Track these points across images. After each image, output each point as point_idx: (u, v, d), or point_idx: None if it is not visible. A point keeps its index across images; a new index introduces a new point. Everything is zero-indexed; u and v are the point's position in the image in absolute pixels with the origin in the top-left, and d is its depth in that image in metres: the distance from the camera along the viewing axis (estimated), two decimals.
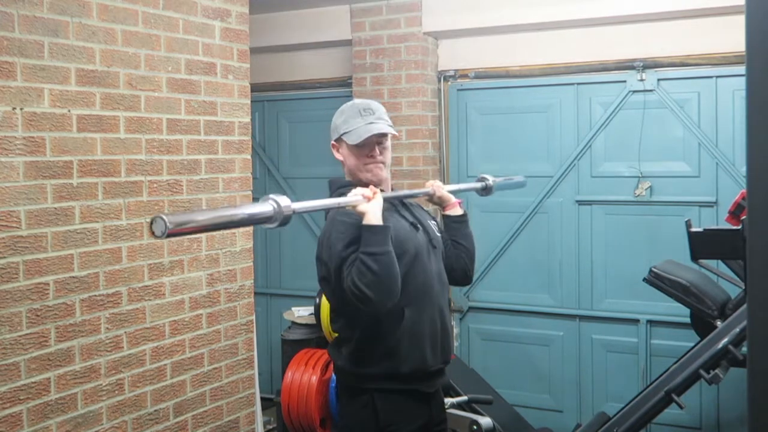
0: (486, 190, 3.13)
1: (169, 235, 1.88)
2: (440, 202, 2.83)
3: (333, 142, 2.65)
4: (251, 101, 3.74)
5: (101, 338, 3.00)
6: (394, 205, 2.61)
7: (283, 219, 2.12)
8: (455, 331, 5.17)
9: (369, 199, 2.40)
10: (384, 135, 2.57)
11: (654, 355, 4.64)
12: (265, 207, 2.11)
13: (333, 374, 2.67)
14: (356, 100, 2.70)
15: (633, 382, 4.63)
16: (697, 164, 4.51)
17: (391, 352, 2.47)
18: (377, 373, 2.48)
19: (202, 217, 2.05)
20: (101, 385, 3.00)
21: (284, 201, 2.13)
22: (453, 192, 2.88)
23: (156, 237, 1.89)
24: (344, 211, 2.45)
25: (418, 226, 2.59)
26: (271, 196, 2.14)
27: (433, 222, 2.73)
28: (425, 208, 2.82)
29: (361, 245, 2.34)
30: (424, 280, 2.54)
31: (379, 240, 2.34)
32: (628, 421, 3.49)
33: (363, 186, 2.51)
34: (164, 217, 1.88)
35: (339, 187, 2.61)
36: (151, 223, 1.89)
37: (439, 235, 2.70)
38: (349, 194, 2.42)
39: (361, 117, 2.57)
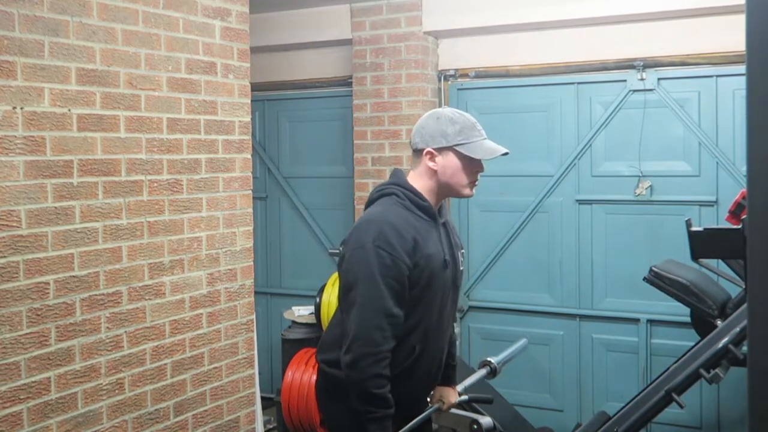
0: (492, 374, 3.01)
1: None
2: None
3: (432, 149, 2.48)
4: (251, 100, 3.74)
5: (101, 338, 3.00)
6: (435, 224, 2.54)
7: None
8: (455, 330, 5.18)
9: None
10: (504, 155, 2.53)
11: (654, 354, 4.64)
12: None
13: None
14: (454, 111, 2.55)
15: (633, 381, 4.63)
16: (697, 164, 4.51)
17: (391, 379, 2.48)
18: None
19: None
20: (101, 384, 3.00)
21: None
22: (459, 391, 2.85)
23: None
24: (388, 241, 2.38)
25: (449, 262, 2.54)
26: None
27: (462, 252, 2.69)
28: (458, 232, 2.76)
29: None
30: (438, 320, 2.53)
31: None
32: (629, 421, 3.49)
33: (421, 199, 2.49)
34: None
35: (396, 184, 2.54)
36: None
37: (462, 269, 2.67)
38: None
39: (477, 131, 2.51)
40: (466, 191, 2.54)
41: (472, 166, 2.50)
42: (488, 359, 2.99)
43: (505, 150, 2.51)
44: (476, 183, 2.55)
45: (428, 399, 2.76)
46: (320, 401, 2.66)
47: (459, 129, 2.48)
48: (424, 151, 2.50)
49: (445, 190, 2.54)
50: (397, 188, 2.52)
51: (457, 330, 5.16)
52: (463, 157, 2.48)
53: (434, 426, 2.97)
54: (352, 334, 2.36)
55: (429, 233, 2.48)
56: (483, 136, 2.51)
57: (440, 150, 2.48)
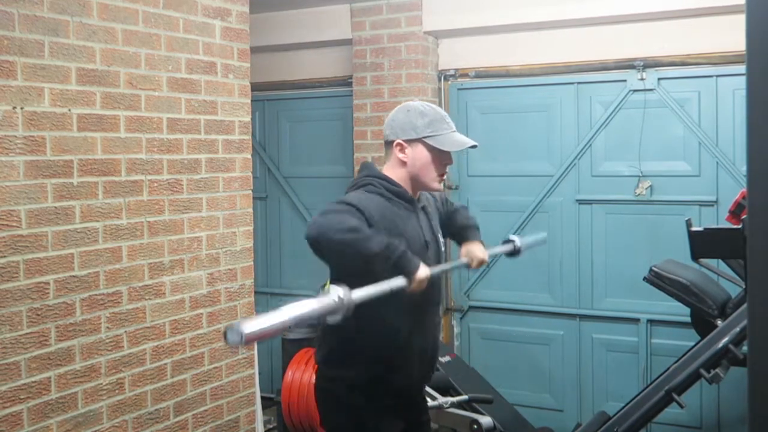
0: (515, 252, 2.98)
1: (247, 342, 1.92)
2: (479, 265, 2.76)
3: (402, 140, 2.52)
4: (251, 100, 3.74)
5: (101, 337, 3.00)
6: (414, 209, 2.56)
7: (347, 310, 2.13)
8: (456, 330, 5.17)
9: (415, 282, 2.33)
10: (472, 147, 2.56)
11: (654, 354, 4.64)
12: (329, 300, 2.11)
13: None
14: (424, 104, 2.58)
15: (633, 381, 4.63)
16: (697, 163, 4.50)
17: (377, 361, 2.48)
18: (357, 381, 2.50)
19: (274, 321, 2.04)
20: (101, 384, 3.00)
21: (345, 293, 2.13)
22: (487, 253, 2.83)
23: (230, 345, 1.93)
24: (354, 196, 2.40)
25: (430, 242, 2.56)
26: (334, 288, 2.13)
27: (441, 233, 2.71)
28: (441, 198, 2.77)
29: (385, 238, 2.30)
30: (422, 301, 2.52)
31: (391, 248, 2.29)
32: (629, 421, 3.49)
33: (394, 185, 2.50)
34: (240, 327, 1.91)
35: (369, 175, 2.54)
36: (225, 333, 1.91)
37: (443, 249, 2.68)
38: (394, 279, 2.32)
39: (446, 124, 2.54)
40: (435, 184, 2.56)
41: (441, 158, 2.54)
42: (512, 237, 2.98)
43: (473, 143, 2.56)
44: (444, 177, 2.58)
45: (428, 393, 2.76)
46: (319, 401, 2.66)
47: (428, 121, 2.52)
48: (395, 143, 2.54)
49: (415, 183, 2.56)
50: (370, 179, 2.54)
51: (456, 330, 5.16)
52: (432, 149, 2.51)
53: (434, 426, 2.97)
54: (323, 224, 2.30)
55: (405, 218, 2.50)
56: (452, 129, 2.55)
57: (410, 142, 2.52)
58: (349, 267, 2.39)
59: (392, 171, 2.56)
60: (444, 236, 2.73)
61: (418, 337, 2.55)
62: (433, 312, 2.65)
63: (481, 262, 2.70)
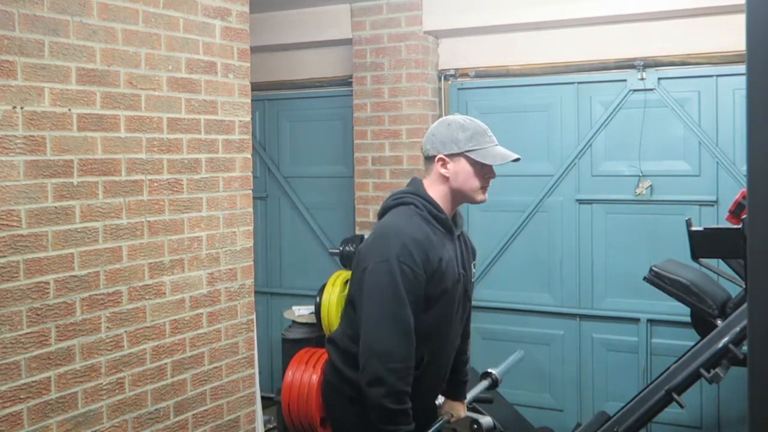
0: (494, 385, 3.05)
1: None
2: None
3: (444, 155, 2.49)
4: (252, 100, 3.74)
5: (101, 337, 3.00)
6: (452, 238, 2.56)
7: None
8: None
9: None
10: (515, 161, 2.54)
11: (654, 354, 4.64)
12: None
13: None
14: (465, 117, 2.57)
15: (633, 381, 4.63)
16: (697, 163, 4.51)
17: None
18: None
19: None
20: (102, 384, 3.00)
21: None
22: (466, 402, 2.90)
23: None
24: (409, 252, 2.39)
25: (462, 277, 2.55)
26: None
27: (474, 263, 2.72)
28: (473, 245, 2.76)
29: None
30: (447, 330, 2.55)
31: None
32: (629, 420, 3.49)
33: (438, 210, 2.50)
34: None
35: (415, 194, 2.54)
36: None
37: (473, 280, 2.69)
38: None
39: (488, 137, 2.52)
40: (480, 196, 2.55)
41: (484, 172, 2.51)
42: (489, 371, 3.05)
43: (516, 156, 2.53)
44: (487, 190, 2.57)
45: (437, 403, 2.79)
46: (327, 398, 2.66)
47: (470, 135, 2.49)
48: (436, 158, 2.51)
49: (458, 197, 2.54)
50: (415, 198, 2.52)
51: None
52: (474, 163, 2.49)
53: None
54: (376, 348, 2.35)
55: (445, 246, 2.50)
56: (494, 142, 2.53)
57: (452, 156, 2.49)
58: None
59: (433, 187, 2.54)
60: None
61: (439, 356, 2.57)
62: (457, 337, 2.66)
63: (459, 419, 2.81)
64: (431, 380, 2.59)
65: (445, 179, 2.51)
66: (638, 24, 4.58)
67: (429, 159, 2.54)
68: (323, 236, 5.68)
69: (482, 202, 2.59)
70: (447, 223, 2.53)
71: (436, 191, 2.53)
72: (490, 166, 2.51)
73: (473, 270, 2.69)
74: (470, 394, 2.96)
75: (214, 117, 3.49)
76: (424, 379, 2.53)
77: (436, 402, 2.78)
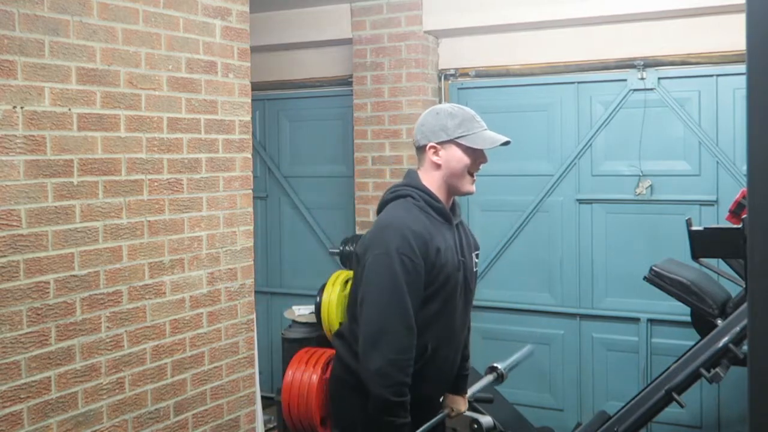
0: (499, 379, 3.03)
1: None
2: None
3: (435, 143, 2.51)
4: (252, 100, 3.74)
5: (102, 337, 3.00)
6: (450, 227, 2.56)
7: None
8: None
9: None
10: (505, 144, 2.54)
11: (654, 353, 4.64)
12: None
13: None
14: (453, 105, 2.59)
15: (633, 380, 4.63)
16: (697, 163, 4.51)
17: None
18: None
19: None
20: (102, 383, 3.00)
21: None
22: (468, 397, 2.87)
23: None
24: (409, 238, 2.39)
25: (462, 265, 2.56)
26: None
27: (477, 253, 2.71)
28: (474, 236, 2.76)
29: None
30: (449, 320, 2.54)
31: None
32: (629, 420, 3.49)
33: (435, 200, 2.51)
34: None
35: (411, 185, 2.55)
36: None
37: (475, 270, 2.68)
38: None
39: (477, 122, 2.53)
40: (467, 187, 2.56)
41: (475, 157, 2.53)
42: (495, 365, 3.02)
43: (506, 138, 2.53)
44: (475, 179, 2.58)
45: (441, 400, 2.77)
46: (334, 393, 2.65)
47: (459, 122, 2.51)
48: (427, 146, 2.53)
49: (451, 185, 2.55)
50: (412, 190, 2.53)
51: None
52: (465, 149, 2.50)
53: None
54: (376, 340, 2.36)
55: (444, 235, 2.50)
56: (483, 127, 2.54)
57: (442, 144, 2.51)
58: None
59: (427, 176, 2.55)
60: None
61: (443, 348, 2.56)
62: (462, 327, 2.66)
63: (459, 414, 2.79)
64: (436, 374, 2.58)
65: (438, 167, 2.53)
66: (638, 24, 4.58)
67: (420, 149, 2.56)
68: (323, 236, 5.68)
69: (470, 193, 2.60)
70: (444, 212, 2.54)
71: (430, 180, 2.55)
72: (482, 151, 2.53)
73: (476, 261, 2.68)
74: (473, 389, 2.93)
75: (215, 117, 3.49)
76: (429, 372, 2.52)
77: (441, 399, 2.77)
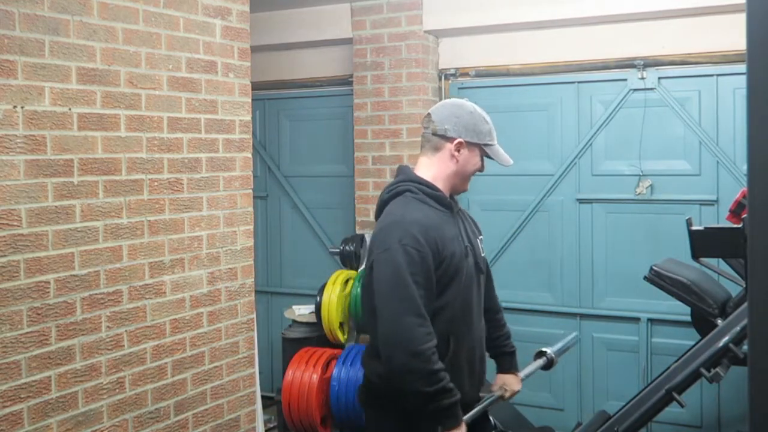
0: (549, 364, 3.00)
1: None
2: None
3: (462, 140, 2.49)
4: (252, 99, 3.74)
5: (102, 337, 3.00)
6: (452, 215, 2.55)
7: None
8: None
9: None
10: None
11: (655, 353, 4.64)
12: None
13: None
14: (481, 109, 2.59)
15: (634, 380, 4.63)
16: (697, 162, 4.51)
17: None
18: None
19: None
20: (102, 383, 3.00)
21: None
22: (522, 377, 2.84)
23: None
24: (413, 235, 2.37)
25: (470, 250, 2.54)
26: None
27: (481, 238, 2.69)
28: (475, 221, 2.75)
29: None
30: (467, 309, 2.52)
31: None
32: (629, 420, 3.49)
33: (434, 189, 2.51)
34: None
35: (407, 180, 2.53)
36: None
37: (483, 255, 2.67)
38: None
39: (495, 136, 2.57)
40: (464, 185, 2.60)
41: (480, 166, 2.57)
42: (543, 350, 2.99)
43: (511, 162, 2.61)
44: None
45: (481, 393, 2.70)
46: (369, 401, 2.59)
47: (489, 129, 2.54)
48: (455, 141, 2.50)
49: (454, 183, 2.55)
50: (409, 184, 2.51)
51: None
52: (483, 157, 2.54)
53: None
54: (394, 338, 2.32)
55: (447, 224, 2.49)
56: (496, 141, 2.59)
57: (470, 144, 2.51)
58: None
59: (437, 166, 2.53)
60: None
61: (466, 340, 2.53)
62: (478, 317, 2.62)
63: (514, 394, 2.74)
64: (465, 365, 2.53)
65: (455, 162, 2.51)
66: (638, 24, 4.58)
67: (443, 138, 2.51)
68: (323, 236, 5.68)
69: (463, 191, 2.63)
70: (445, 200, 2.52)
71: (436, 171, 2.53)
72: (483, 162, 2.57)
73: (481, 245, 2.66)
74: (526, 371, 2.87)
75: (215, 116, 3.49)
76: (457, 363, 2.48)
77: (480, 394, 2.68)
